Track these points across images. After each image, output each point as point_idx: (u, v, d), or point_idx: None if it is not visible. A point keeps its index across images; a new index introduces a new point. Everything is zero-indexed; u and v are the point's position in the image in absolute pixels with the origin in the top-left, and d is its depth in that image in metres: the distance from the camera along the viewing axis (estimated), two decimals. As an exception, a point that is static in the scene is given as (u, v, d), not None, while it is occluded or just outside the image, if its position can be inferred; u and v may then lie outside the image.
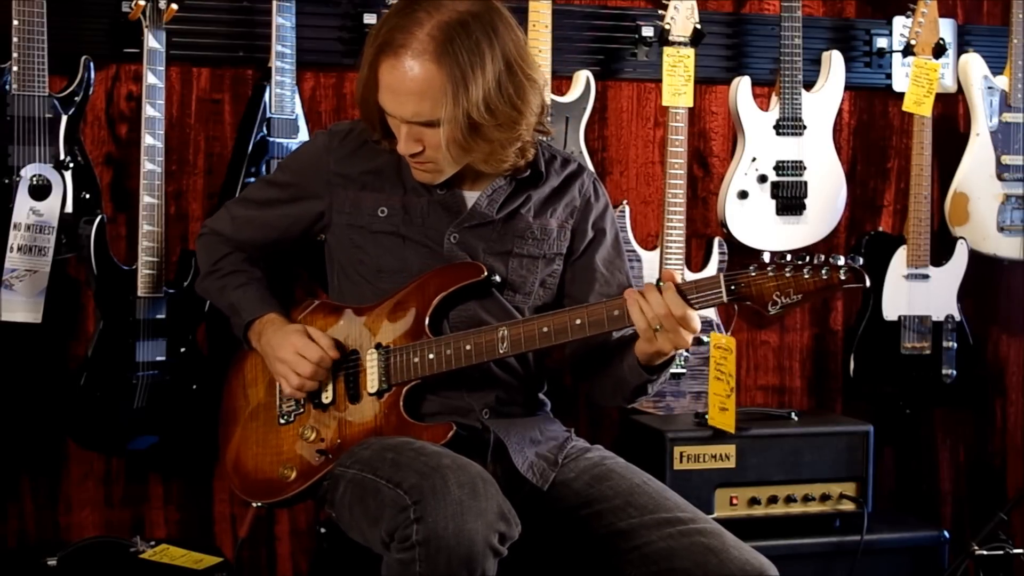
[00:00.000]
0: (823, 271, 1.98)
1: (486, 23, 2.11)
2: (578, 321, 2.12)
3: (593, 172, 2.43)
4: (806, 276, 1.98)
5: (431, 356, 2.19)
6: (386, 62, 2.10)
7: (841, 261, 1.97)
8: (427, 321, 2.23)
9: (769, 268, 2.01)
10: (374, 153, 2.29)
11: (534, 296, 2.31)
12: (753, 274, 2.02)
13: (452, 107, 2.08)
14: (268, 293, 2.39)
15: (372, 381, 2.24)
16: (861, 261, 1.98)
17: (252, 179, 2.84)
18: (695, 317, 2.05)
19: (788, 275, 1.99)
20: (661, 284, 2.06)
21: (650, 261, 3.16)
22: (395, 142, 2.20)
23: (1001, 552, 3.13)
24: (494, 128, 2.13)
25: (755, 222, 3.23)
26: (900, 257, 3.33)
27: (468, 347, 2.17)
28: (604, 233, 2.38)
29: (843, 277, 1.97)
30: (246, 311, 2.36)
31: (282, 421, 2.32)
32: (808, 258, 1.99)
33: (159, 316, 2.77)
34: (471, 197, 2.29)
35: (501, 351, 2.16)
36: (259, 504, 2.34)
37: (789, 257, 2.01)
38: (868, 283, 1.98)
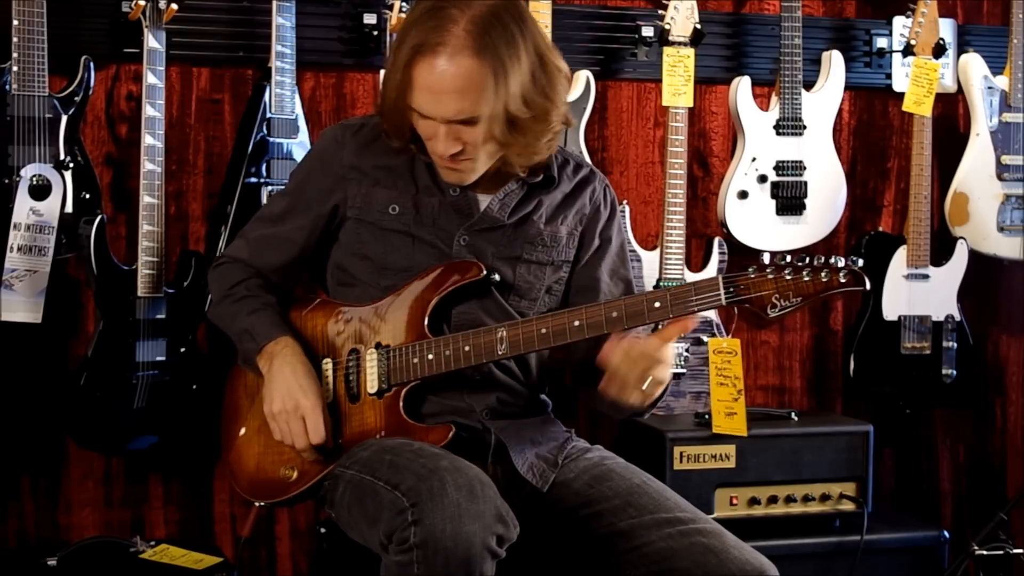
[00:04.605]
0: (823, 273, 1.96)
1: (515, 15, 2.10)
2: (576, 323, 2.11)
3: (605, 179, 2.40)
4: (806, 279, 1.97)
5: (430, 357, 2.18)
6: (423, 62, 2.06)
7: (841, 263, 1.96)
8: (426, 321, 2.21)
9: (768, 270, 1.99)
10: (387, 149, 2.26)
11: (539, 302, 2.29)
12: (752, 276, 2.00)
13: (493, 101, 2.06)
14: (280, 319, 2.31)
15: (372, 381, 2.23)
16: (861, 263, 1.97)
17: (252, 179, 2.85)
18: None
19: (788, 278, 1.98)
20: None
21: (650, 261, 3.16)
22: (419, 147, 2.19)
23: (1001, 552, 3.14)
24: (530, 120, 2.12)
25: (755, 222, 3.22)
26: (900, 257, 3.33)
27: (467, 348, 2.16)
28: (610, 242, 2.36)
29: (843, 280, 1.96)
30: (260, 335, 2.26)
31: (283, 421, 2.32)
32: (808, 260, 1.98)
33: (159, 316, 2.78)
34: (483, 200, 2.27)
35: (500, 352, 2.15)
36: (261, 504, 2.33)
37: (789, 258, 1.99)
38: (868, 286, 1.97)
